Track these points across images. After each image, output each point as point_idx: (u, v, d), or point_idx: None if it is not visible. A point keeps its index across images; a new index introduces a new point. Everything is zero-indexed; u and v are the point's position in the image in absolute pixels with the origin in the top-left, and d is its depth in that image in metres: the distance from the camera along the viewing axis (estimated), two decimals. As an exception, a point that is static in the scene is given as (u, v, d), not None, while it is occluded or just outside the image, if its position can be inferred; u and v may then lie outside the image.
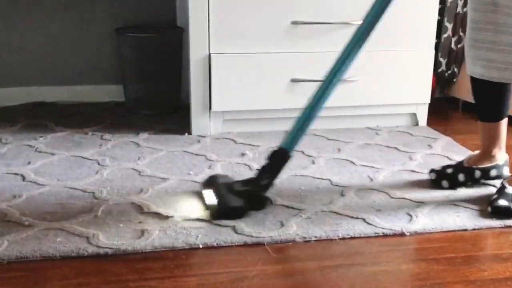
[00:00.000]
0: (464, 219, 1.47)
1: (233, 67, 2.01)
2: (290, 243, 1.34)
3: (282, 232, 1.37)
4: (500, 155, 1.64)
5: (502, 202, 1.50)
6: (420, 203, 1.55)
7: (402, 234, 1.40)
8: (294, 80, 2.05)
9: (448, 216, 1.48)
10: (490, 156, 1.64)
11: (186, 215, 1.44)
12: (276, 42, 2.02)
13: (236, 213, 1.43)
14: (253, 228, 1.39)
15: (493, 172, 1.64)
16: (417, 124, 2.24)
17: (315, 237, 1.37)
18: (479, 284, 1.20)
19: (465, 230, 1.43)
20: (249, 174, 1.72)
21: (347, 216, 1.47)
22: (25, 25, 2.35)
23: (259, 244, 1.33)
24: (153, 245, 1.30)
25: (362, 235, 1.38)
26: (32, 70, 2.41)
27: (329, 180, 1.70)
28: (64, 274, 1.20)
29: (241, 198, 1.46)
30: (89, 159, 1.82)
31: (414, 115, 2.24)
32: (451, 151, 1.96)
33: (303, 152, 1.91)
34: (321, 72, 2.10)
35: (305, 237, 1.36)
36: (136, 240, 1.32)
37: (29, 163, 1.77)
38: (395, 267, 1.27)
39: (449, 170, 1.67)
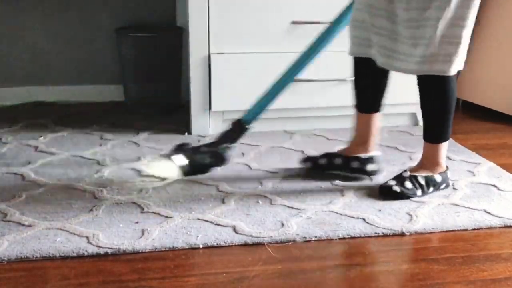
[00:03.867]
0: (464, 219, 1.47)
1: (233, 67, 2.01)
2: (290, 243, 1.34)
3: (282, 232, 1.38)
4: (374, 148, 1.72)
5: (390, 182, 1.59)
6: (420, 203, 1.55)
7: (402, 234, 1.40)
8: (294, 80, 2.05)
9: (448, 216, 1.48)
10: (365, 147, 1.70)
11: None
12: (276, 42, 2.02)
13: (204, 169, 1.66)
14: (253, 228, 1.39)
15: (370, 166, 1.70)
16: (417, 124, 2.24)
17: (315, 237, 1.37)
18: (479, 284, 1.20)
19: (465, 230, 1.43)
20: (250, 173, 1.73)
21: (347, 216, 1.47)
22: (25, 25, 2.35)
23: (259, 244, 1.33)
24: (153, 245, 1.30)
25: (362, 235, 1.38)
26: (32, 70, 2.41)
27: (329, 180, 1.70)
28: (64, 274, 1.20)
29: (206, 157, 1.67)
30: (89, 159, 1.82)
31: (414, 115, 2.24)
32: (451, 151, 1.96)
33: (303, 152, 1.91)
34: (321, 72, 2.10)
35: (305, 237, 1.36)
36: (136, 240, 1.32)
37: (29, 163, 1.77)
38: (395, 267, 1.27)
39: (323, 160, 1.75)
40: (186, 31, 2.12)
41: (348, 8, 1.65)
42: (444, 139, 1.61)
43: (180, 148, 1.72)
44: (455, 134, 2.13)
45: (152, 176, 1.68)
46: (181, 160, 1.67)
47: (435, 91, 1.56)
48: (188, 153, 1.69)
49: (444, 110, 1.57)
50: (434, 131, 1.61)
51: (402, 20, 1.50)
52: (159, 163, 1.73)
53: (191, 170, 1.66)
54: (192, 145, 1.76)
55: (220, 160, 1.67)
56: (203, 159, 1.68)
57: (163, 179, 1.66)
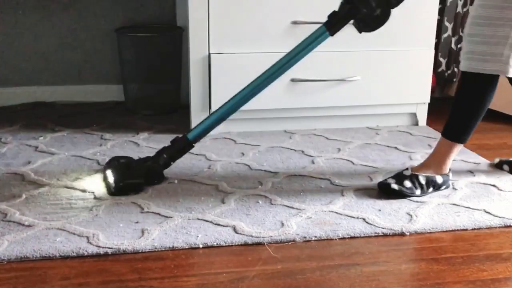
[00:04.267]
0: (464, 219, 1.47)
1: (233, 67, 2.01)
2: (290, 243, 1.35)
3: (282, 232, 1.38)
4: None
5: (389, 180, 1.60)
6: (420, 203, 1.55)
7: (402, 234, 1.40)
8: (294, 80, 2.05)
9: (448, 216, 1.48)
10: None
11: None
12: (276, 42, 2.02)
13: (132, 188, 1.57)
14: (253, 228, 1.39)
15: None
16: (417, 124, 2.24)
17: (315, 237, 1.37)
18: (479, 284, 1.20)
19: (465, 230, 1.43)
20: (250, 173, 1.73)
21: (347, 216, 1.47)
22: (25, 25, 2.35)
23: (259, 244, 1.33)
24: (153, 245, 1.30)
25: (362, 235, 1.39)
26: (32, 70, 2.41)
27: (329, 180, 1.70)
28: (64, 274, 1.20)
29: (139, 174, 1.59)
30: (89, 159, 1.82)
31: (414, 115, 2.24)
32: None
33: (303, 152, 1.92)
34: (321, 72, 2.10)
35: (305, 237, 1.36)
36: (136, 240, 1.32)
37: (29, 163, 1.77)
38: (395, 267, 1.27)
39: None
40: (186, 31, 2.12)
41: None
42: (463, 140, 1.64)
43: (112, 162, 1.67)
44: (455, 134, 2.13)
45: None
46: (110, 176, 1.60)
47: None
48: (118, 168, 1.62)
49: (481, 112, 1.62)
50: (460, 129, 1.63)
51: None
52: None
53: (117, 188, 1.55)
54: (127, 159, 1.69)
55: (155, 177, 1.62)
56: (133, 177, 1.58)
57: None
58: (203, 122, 1.64)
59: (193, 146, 1.65)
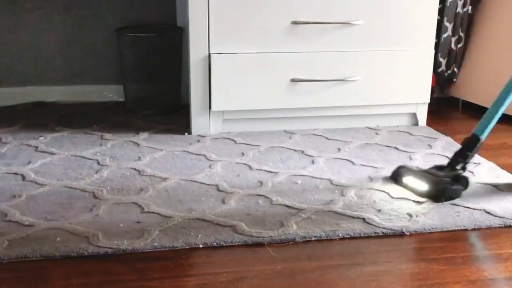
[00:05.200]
0: (464, 219, 1.47)
1: (233, 67, 2.01)
2: (290, 243, 1.35)
3: (282, 232, 1.38)
4: None
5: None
6: (420, 203, 1.55)
7: (402, 234, 1.40)
8: (294, 80, 2.05)
9: (448, 216, 1.48)
10: None
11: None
12: (276, 42, 2.02)
13: (456, 193, 1.57)
14: (253, 228, 1.39)
15: None
16: (417, 124, 2.24)
17: (315, 237, 1.37)
18: (479, 284, 1.20)
19: (465, 230, 1.43)
20: (250, 174, 1.73)
21: (347, 216, 1.47)
22: (25, 25, 2.35)
23: (259, 244, 1.33)
24: (153, 245, 1.30)
25: (362, 235, 1.39)
26: (32, 70, 2.41)
27: (329, 180, 1.70)
28: (64, 274, 1.20)
29: (451, 181, 1.58)
30: (89, 159, 1.82)
31: (414, 115, 2.24)
32: (451, 151, 1.96)
33: (303, 152, 1.92)
34: (321, 72, 2.10)
35: (305, 237, 1.36)
36: (136, 240, 1.32)
37: (29, 163, 1.77)
38: (395, 267, 1.27)
39: None
40: (186, 31, 2.12)
41: None
42: None
43: (403, 172, 1.65)
44: (455, 134, 2.13)
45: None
46: (418, 184, 1.60)
47: None
48: (424, 175, 1.60)
49: None
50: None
51: None
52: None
53: (443, 194, 1.56)
54: (416, 168, 1.67)
55: (465, 183, 1.60)
56: (449, 185, 1.57)
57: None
58: (487, 114, 1.62)
59: (482, 141, 1.61)
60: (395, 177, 1.68)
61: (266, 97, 2.06)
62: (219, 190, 1.61)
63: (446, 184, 1.56)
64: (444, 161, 1.86)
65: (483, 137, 1.61)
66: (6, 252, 1.25)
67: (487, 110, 1.63)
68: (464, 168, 1.62)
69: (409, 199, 1.57)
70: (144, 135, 2.05)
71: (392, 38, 2.10)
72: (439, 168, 1.64)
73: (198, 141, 2.01)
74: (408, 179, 1.64)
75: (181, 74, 2.38)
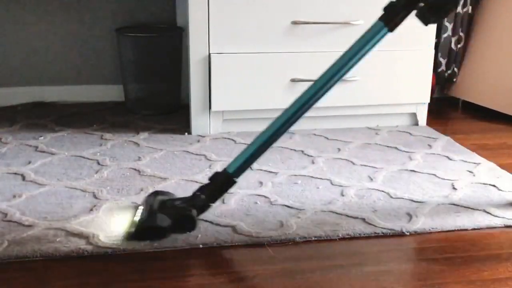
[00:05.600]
0: (464, 219, 1.47)
1: (233, 67, 2.01)
2: (290, 243, 1.34)
3: (282, 232, 1.37)
4: None
5: None
6: (420, 203, 1.55)
7: (402, 234, 1.40)
8: (294, 80, 2.05)
9: (448, 216, 1.48)
10: None
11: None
12: (276, 42, 2.02)
13: (155, 234, 1.32)
14: (253, 228, 1.39)
15: None
16: (417, 124, 2.24)
17: (315, 237, 1.37)
18: (479, 284, 1.20)
19: (465, 230, 1.43)
20: (250, 174, 1.72)
21: (347, 216, 1.47)
22: (25, 25, 2.35)
23: (259, 244, 1.33)
24: (153, 245, 1.30)
25: (362, 235, 1.39)
26: (32, 70, 2.41)
27: (329, 180, 1.70)
28: (64, 274, 1.20)
29: (168, 217, 1.34)
30: (89, 159, 1.82)
31: (414, 115, 2.24)
32: (451, 151, 1.96)
33: (303, 152, 1.92)
34: (321, 72, 2.10)
35: (305, 237, 1.36)
36: (136, 240, 1.32)
37: (29, 162, 1.77)
38: (395, 267, 1.27)
39: None
40: (186, 31, 2.12)
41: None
42: None
43: (150, 198, 1.42)
44: (455, 134, 2.13)
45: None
46: (138, 215, 1.39)
47: None
48: (151, 206, 1.37)
49: None
50: None
51: None
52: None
53: (138, 233, 1.32)
54: (167, 196, 1.44)
55: (188, 225, 1.36)
56: (162, 221, 1.33)
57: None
58: (244, 152, 1.39)
59: (235, 182, 1.37)
60: (142, 203, 1.46)
61: (266, 97, 2.06)
62: (219, 190, 1.61)
63: (148, 223, 1.34)
64: (445, 161, 1.87)
65: (236, 177, 1.37)
66: (6, 252, 1.25)
67: (249, 145, 1.41)
68: (204, 207, 1.38)
69: (409, 199, 1.57)
70: (144, 135, 2.05)
71: (392, 38, 2.09)
72: (183, 200, 1.40)
73: (198, 141, 2.01)
74: (140, 208, 1.42)
75: (181, 74, 2.38)
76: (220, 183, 1.38)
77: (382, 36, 1.35)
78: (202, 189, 1.38)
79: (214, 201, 1.38)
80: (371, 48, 1.37)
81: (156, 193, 1.45)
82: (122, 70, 2.36)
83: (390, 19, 1.32)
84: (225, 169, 1.38)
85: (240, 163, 1.37)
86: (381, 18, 1.35)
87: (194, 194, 1.38)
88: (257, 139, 1.40)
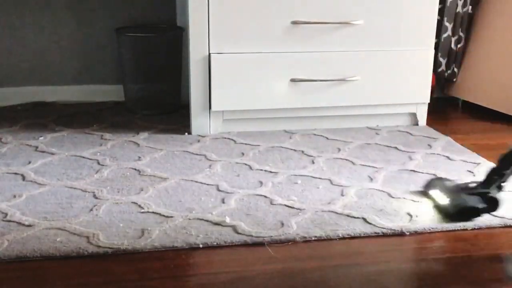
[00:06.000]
0: (464, 219, 1.47)
1: (233, 67, 2.01)
2: (290, 243, 1.34)
3: (282, 232, 1.38)
4: None
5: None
6: (420, 203, 1.55)
7: (402, 234, 1.40)
8: (294, 80, 2.05)
9: (448, 216, 1.48)
10: None
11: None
12: (276, 42, 2.02)
13: (474, 213, 1.46)
14: (253, 228, 1.39)
15: None
16: (417, 124, 2.24)
17: (315, 237, 1.37)
18: (479, 284, 1.20)
19: (465, 230, 1.43)
20: (250, 174, 1.73)
21: (347, 216, 1.47)
22: (25, 25, 2.35)
23: (259, 244, 1.33)
24: (153, 245, 1.30)
25: (362, 235, 1.38)
26: (32, 70, 2.41)
27: (329, 180, 1.70)
28: (64, 274, 1.20)
29: (475, 199, 1.47)
30: (89, 159, 1.82)
31: (414, 115, 2.24)
32: (451, 151, 1.96)
33: (303, 152, 1.92)
34: (321, 72, 2.10)
35: (305, 237, 1.36)
36: (136, 240, 1.32)
37: (29, 162, 1.77)
38: (395, 267, 1.27)
39: None
40: (186, 31, 2.12)
41: None
42: None
43: (435, 184, 1.57)
44: (455, 134, 2.13)
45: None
46: (441, 198, 1.52)
47: None
48: (450, 190, 1.52)
49: None
50: None
51: None
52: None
53: (457, 212, 1.45)
54: (450, 182, 1.58)
55: (493, 205, 1.46)
56: (474, 202, 1.46)
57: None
58: None
59: None
60: (426, 188, 1.61)
61: (266, 97, 2.06)
62: (219, 190, 1.61)
63: (463, 204, 1.47)
64: (445, 161, 1.87)
65: None
66: (6, 252, 1.25)
67: None
68: (500, 187, 1.49)
69: (409, 199, 1.57)
70: (144, 135, 2.05)
71: (392, 38, 2.10)
72: (473, 184, 1.53)
73: (198, 141, 2.01)
74: (434, 192, 1.57)
75: (181, 74, 2.38)
76: (506, 161, 1.46)
77: None
78: (493, 171, 1.48)
79: (506, 179, 1.47)
80: None
81: (438, 179, 1.60)
82: (122, 70, 2.36)
83: None
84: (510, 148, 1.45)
85: None
86: None
87: (488, 176, 1.48)
88: None
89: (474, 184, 1.52)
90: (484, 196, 1.47)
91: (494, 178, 1.47)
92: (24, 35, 2.37)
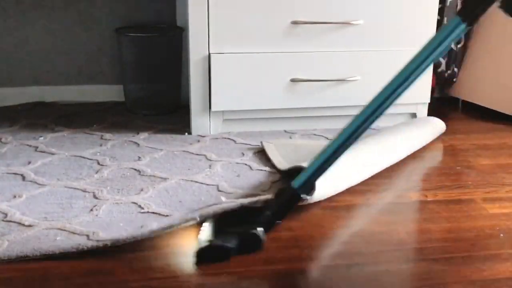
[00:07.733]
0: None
1: (233, 67, 2.01)
2: (289, 243, 1.34)
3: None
4: None
5: None
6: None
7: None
8: (294, 80, 2.05)
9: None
10: None
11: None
12: (276, 42, 2.02)
13: (220, 255, 1.26)
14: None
15: None
16: (417, 124, 2.24)
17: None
18: (479, 284, 1.20)
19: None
20: (250, 173, 1.72)
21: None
22: (25, 25, 2.35)
23: (259, 244, 1.33)
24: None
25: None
26: (32, 70, 2.41)
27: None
28: (64, 273, 1.20)
29: (232, 238, 1.27)
30: (89, 159, 1.82)
31: (414, 115, 2.24)
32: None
33: (303, 152, 1.92)
34: (321, 72, 2.10)
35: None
36: (136, 240, 1.32)
37: (29, 163, 1.77)
38: (395, 267, 1.27)
39: None
40: (186, 31, 2.12)
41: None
42: None
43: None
44: (455, 134, 2.13)
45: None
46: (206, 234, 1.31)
47: None
48: (216, 226, 1.34)
49: None
50: None
51: None
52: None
53: (203, 254, 1.25)
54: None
55: (251, 243, 1.27)
56: (227, 240, 1.26)
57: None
58: (310, 167, 1.30)
59: (301, 197, 1.32)
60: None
61: (266, 97, 2.06)
62: (219, 190, 1.61)
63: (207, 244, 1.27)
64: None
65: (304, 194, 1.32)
66: (6, 252, 1.25)
67: (317, 156, 1.30)
68: (270, 225, 1.30)
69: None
70: (144, 135, 2.05)
71: (392, 38, 2.10)
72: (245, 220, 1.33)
73: (198, 141, 2.01)
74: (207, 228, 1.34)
75: (181, 74, 2.38)
76: (286, 199, 1.32)
77: (460, 32, 1.26)
78: (268, 206, 1.33)
79: (280, 218, 1.32)
80: (447, 46, 1.31)
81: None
82: (122, 70, 2.36)
83: (468, 14, 1.23)
84: (290, 185, 1.31)
85: (305, 178, 1.30)
86: (458, 13, 1.25)
87: (265, 211, 1.31)
88: (322, 153, 1.30)
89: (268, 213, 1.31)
90: (246, 233, 1.28)
91: (265, 214, 1.30)
92: (23, 35, 2.37)
